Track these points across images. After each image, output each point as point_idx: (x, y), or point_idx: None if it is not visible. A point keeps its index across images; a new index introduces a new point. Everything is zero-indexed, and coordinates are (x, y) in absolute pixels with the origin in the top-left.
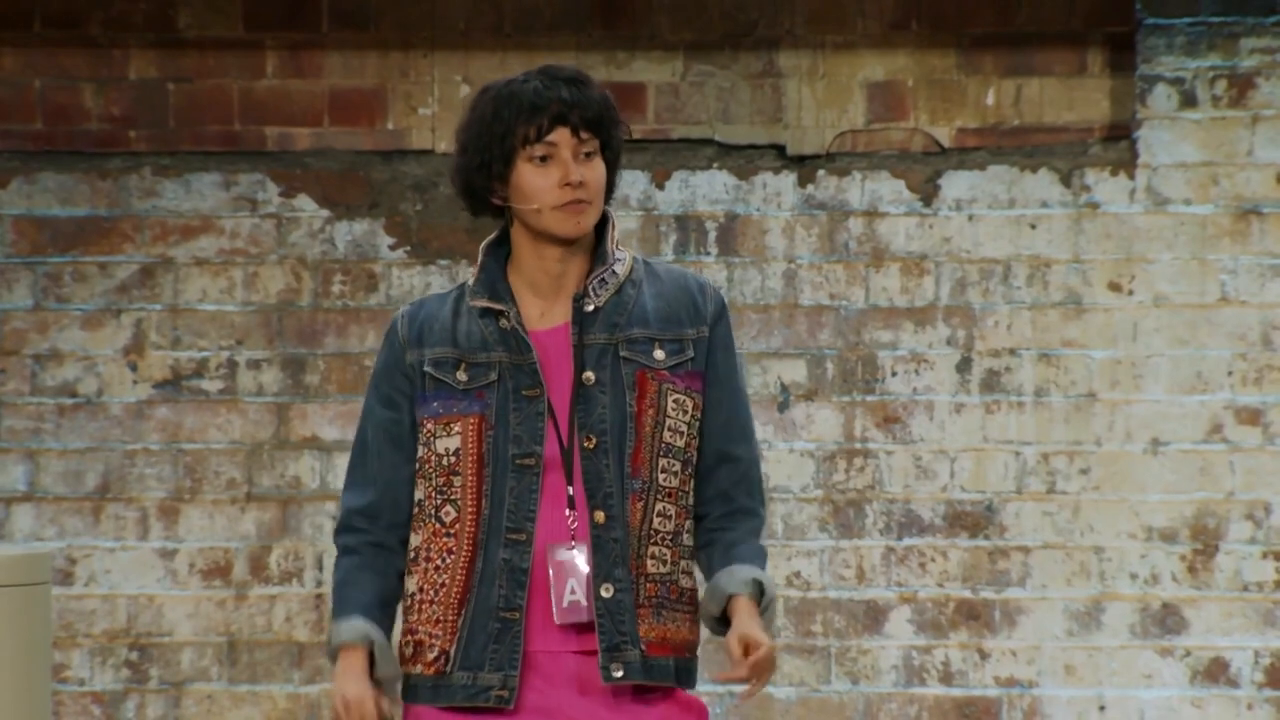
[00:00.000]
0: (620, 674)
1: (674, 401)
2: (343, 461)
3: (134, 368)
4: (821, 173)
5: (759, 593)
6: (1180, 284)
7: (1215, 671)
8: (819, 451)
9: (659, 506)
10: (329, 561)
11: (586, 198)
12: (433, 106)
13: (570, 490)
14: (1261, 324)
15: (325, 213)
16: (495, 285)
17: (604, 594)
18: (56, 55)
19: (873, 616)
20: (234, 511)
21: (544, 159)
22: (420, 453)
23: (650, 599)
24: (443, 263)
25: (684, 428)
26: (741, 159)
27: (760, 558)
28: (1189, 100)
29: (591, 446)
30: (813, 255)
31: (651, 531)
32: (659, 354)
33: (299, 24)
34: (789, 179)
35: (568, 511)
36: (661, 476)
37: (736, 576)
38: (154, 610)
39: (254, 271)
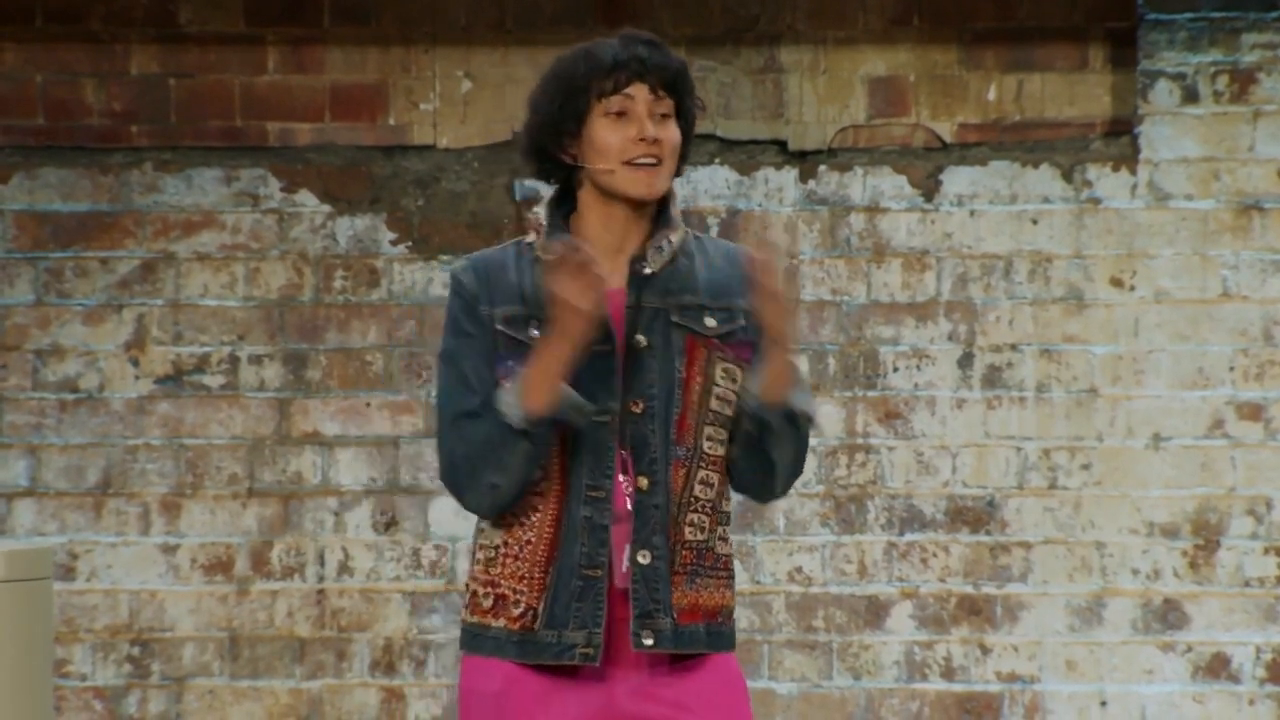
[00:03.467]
0: (650, 642)
1: (723, 370)
2: (344, 457)
3: (135, 363)
4: (823, 168)
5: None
6: (1182, 279)
7: (1216, 667)
8: (821, 447)
9: (702, 474)
10: (330, 557)
11: (661, 155)
12: (434, 102)
13: (624, 454)
14: (1263, 319)
15: (327, 208)
16: (564, 239)
17: (641, 560)
18: (58, 50)
19: (874, 612)
20: (235, 507)
21: (620, 114)
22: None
23: (685, 566)
24: (444, 258)
25: (731, 396)
26: (743, 154)
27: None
28: (1190, 96)
29: (639, 411)
30: (814, 250)
31: (692, 499)
32: (710, 321)
33: (300, 19)
34: (790, 174)
35: (622, 475)
36: (707, 444)
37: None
38: (156, 605)
39: (255, 267)
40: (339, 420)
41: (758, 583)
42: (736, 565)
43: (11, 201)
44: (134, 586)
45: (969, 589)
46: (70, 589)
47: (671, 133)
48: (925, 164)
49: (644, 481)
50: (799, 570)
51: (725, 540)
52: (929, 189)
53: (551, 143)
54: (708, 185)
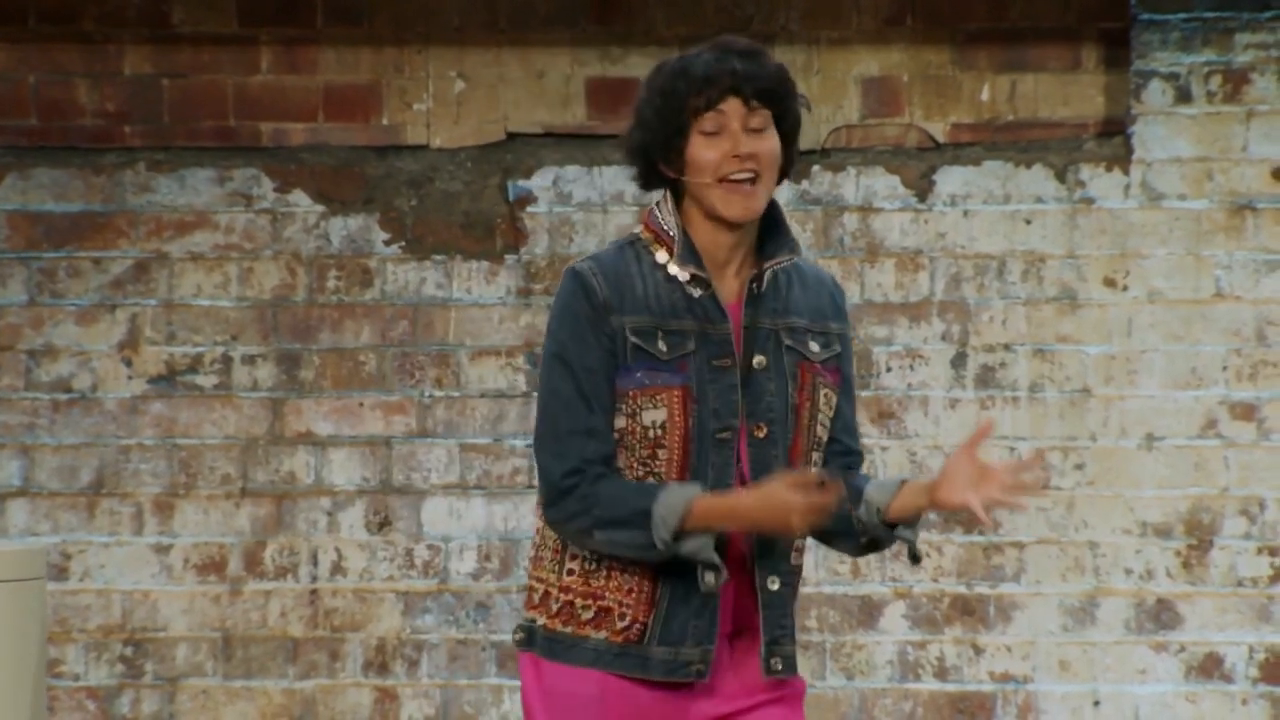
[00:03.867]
0: (780, 667)
1: (824, 395)
2: (337, 457)
3: (129, 363)
4: (816, 168)
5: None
6: (1175, 279)
7: (1210, 667)
8: None
9: None
10: (324, 557)
11: (756, 169)
12: (427, 102)
13: (742, 475)
14: (1256, 319)
15: (320, 208)
16: (696, 254)
17: (771, 586)
18: (50, 51)
19: (867, 612)
20: (229, 507)
21: (713, 133)
22: (622, 423)
23: (794, 590)
24: (438, 258)
25: (829, 422)
26: None
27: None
28: (1184, 96)
29: (762, 436)
30: (808, 251)
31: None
32: (814, 346)
33: (293, 20)
34: None
35: None
36: (812, 470)
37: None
38: (149, 605)
39: (249, 267)
40: (332, 420)
41: None
42: None
43: (4, 202)
44: (127, 586)
45: (962, 589)
46: (63, 589)
47: (768, 144)
48: (918, 164)
49: None
50: None
51: (800, 552)
52: (922, 189)
53: (658, 157)
54: None
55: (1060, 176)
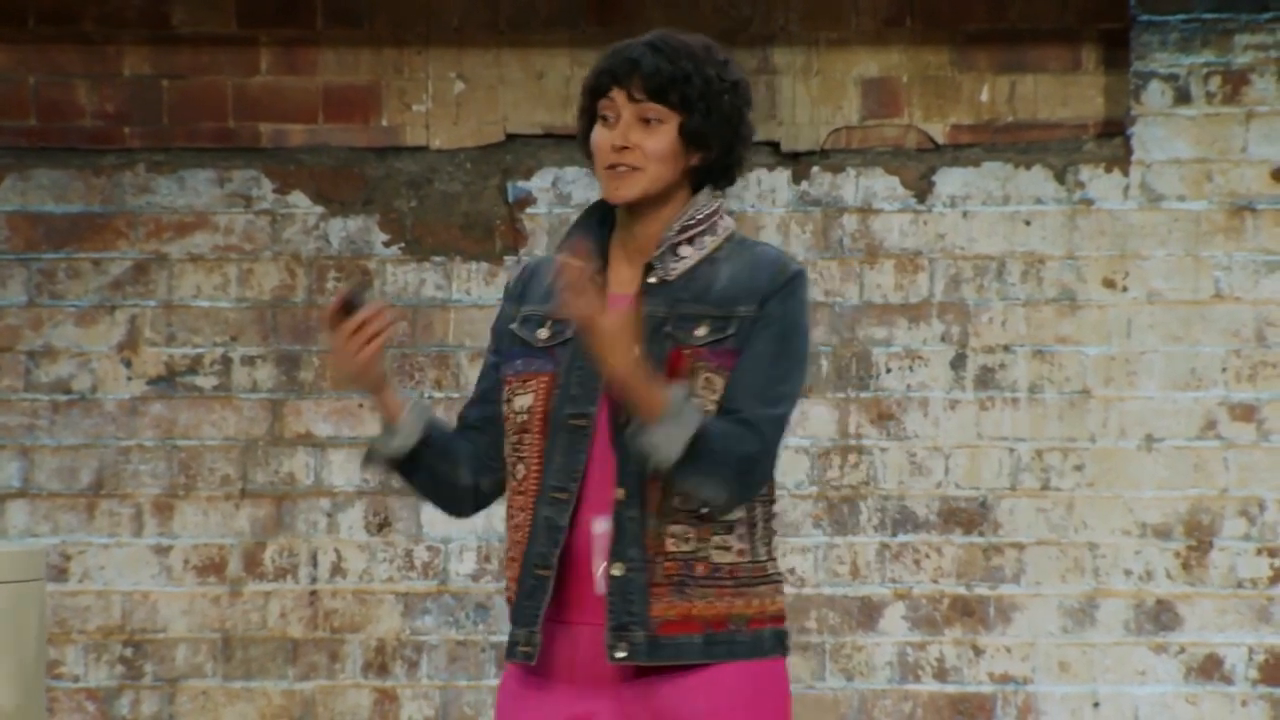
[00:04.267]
0: (624, 655)
1: (704, 380)
2: (337, 458)
3: (128, 364)
4: (816, 169)
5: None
6: (1174, 280)
7: (1209, 668)
8: (814, 448)
9: None
10: (323, 558)
11: (630, 163)
12: (427, 103)
13: (607, 460)
14: (1255, 320)
15: (319, 209)
16: (580, 240)
17: (615, 573)
18: (50, 52)
19: (867, 613)
20: (228, 508)
21: (605, 119)
22: (503, 410)
23: (669, 577)
24: (437, 259)
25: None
26: None
27: (711, 422)
28: (1183, 97)
29: (624, 421)
30: (807, 252)
31: (672, 510)
32: (700, 331)
33: (293, 20)
34: (783, 175)
35: (614, 485)
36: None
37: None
38: (148, 606)
39: (248, 268)
40: (331, 421)
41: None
42: None
43: (4, 203)
44: (127, 588)
45: (962, 590)
46: (63, 590)
47: (654, 139)
48: (918, 165)
49: (621, 493)
50: (792, 571)
51: (727, 549)
52: (922, 190)
53: (581, 142)
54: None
55: (1060, 177)
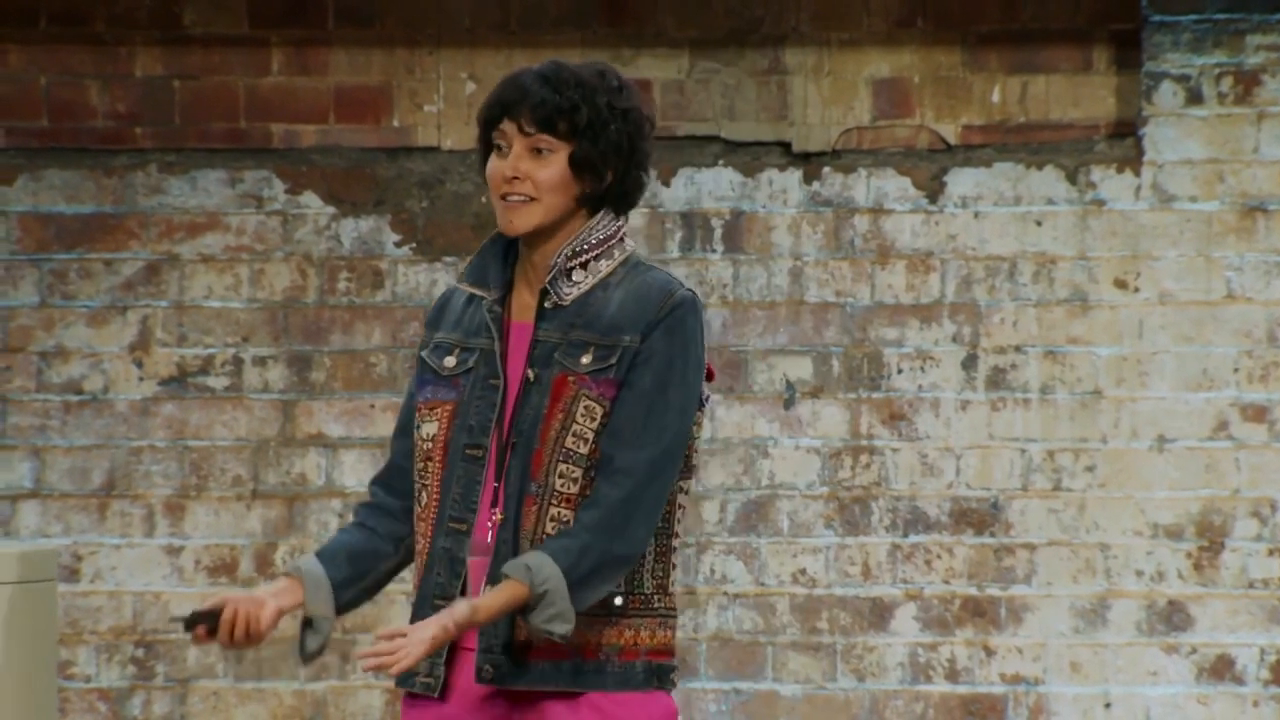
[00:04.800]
0: (488, 677)
1: (584, 407)
2: (348, 459)
3: (140, 365)
4: (827, 170)
5: (529, 578)
6: (1186, 281)
7: (1221, 669)
8: (825, 448)
9: (553, 511)
10: None
11: (522, 191)
12: (438, 104)
13: (496, 488)
14: (1267, 321)
15: (331, 210)
16: (486, 271)
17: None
18: (62, 52)
19: (878, 614)
20: (240, 509)
21: (499, 148)
22: (413, 438)
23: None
24: (449, 259)
25: (589, 434)
26: (747, 156)
27: (558, 552)
28: (1195, 97)
29: (513, 446)
30: (818, 252)
31: (544, 535)
32: (585, 359)
33: (304, 21)
34: (794, 176)
35: (491, 509)
36: (559, 481)
37: (516, 561)
38: (160, 607)
39: (260, 268)
40: (343, 422)
41: (762, 584)
42: (740, 568)
43: (16, 203)
44: (138, 588)
45: (973, 591)
46: (74, 591)
47: (545, 169)
48: (929, 166)
49: (498, 516)
50: (803, 572)
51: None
52: (933, 191)
53: (480, 167)
54: (712, 187)
55: (1071, 178)
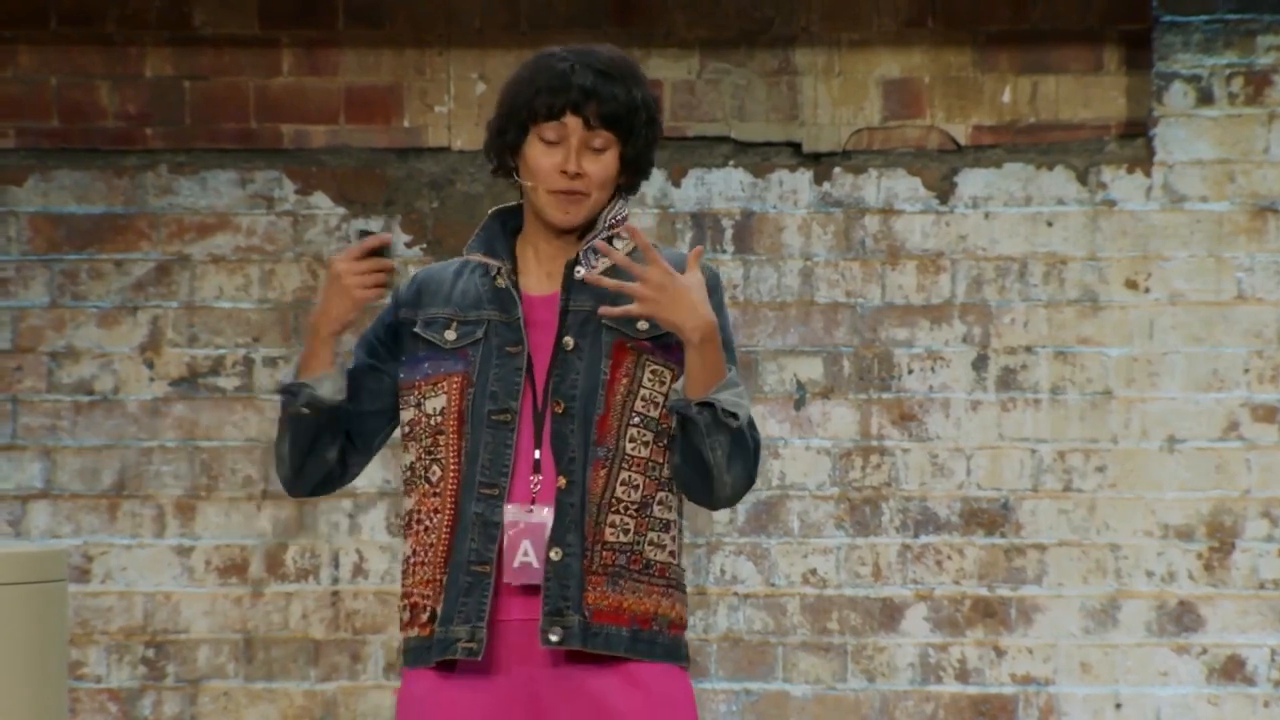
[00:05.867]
0: (557, 639)
1: (651, 372)
2: None
3: (150, 365)
4: (837, 170)
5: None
6: (1196, 281)
7: (1231, 669)
8: (835, 449)
9: (624, 475)
10: (345, 559)
11: (583, 189)
12: (448, 104)
13: (537, 454)
14: (1277, 321)
15: (341, 210)
16: (493, 243)
17: (553, 557)
18: (72, 53)
19: (889, 614)
20: (250, 509)
21: (552, 141)
22: (410, 415)
23: (605, 567)
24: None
25: (660, 398)
26: (757, 156)
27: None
28: (1205, 98)
29: (560, 411)
30: (829, 253)
31: (613, 500)
32: (642, 324)
33: (314, 22)
34: (805, 176)
35: (534, 474)
36: (630, 445)
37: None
38: (170, 607)
39: (270, 269)
40: None
41: (772, 585)
42: (750, 569)
43: (26, 204)
44: (149, 588)
45: (983, 591)
46: (85, 591)
47: (602, 167)
48: (940, 166)
49: (563, 480)
50: (813, 572)
51: (661, 548)
52: (943, 191)
53: (499, 149)
54: (722, 188)
55: (1082, 178)
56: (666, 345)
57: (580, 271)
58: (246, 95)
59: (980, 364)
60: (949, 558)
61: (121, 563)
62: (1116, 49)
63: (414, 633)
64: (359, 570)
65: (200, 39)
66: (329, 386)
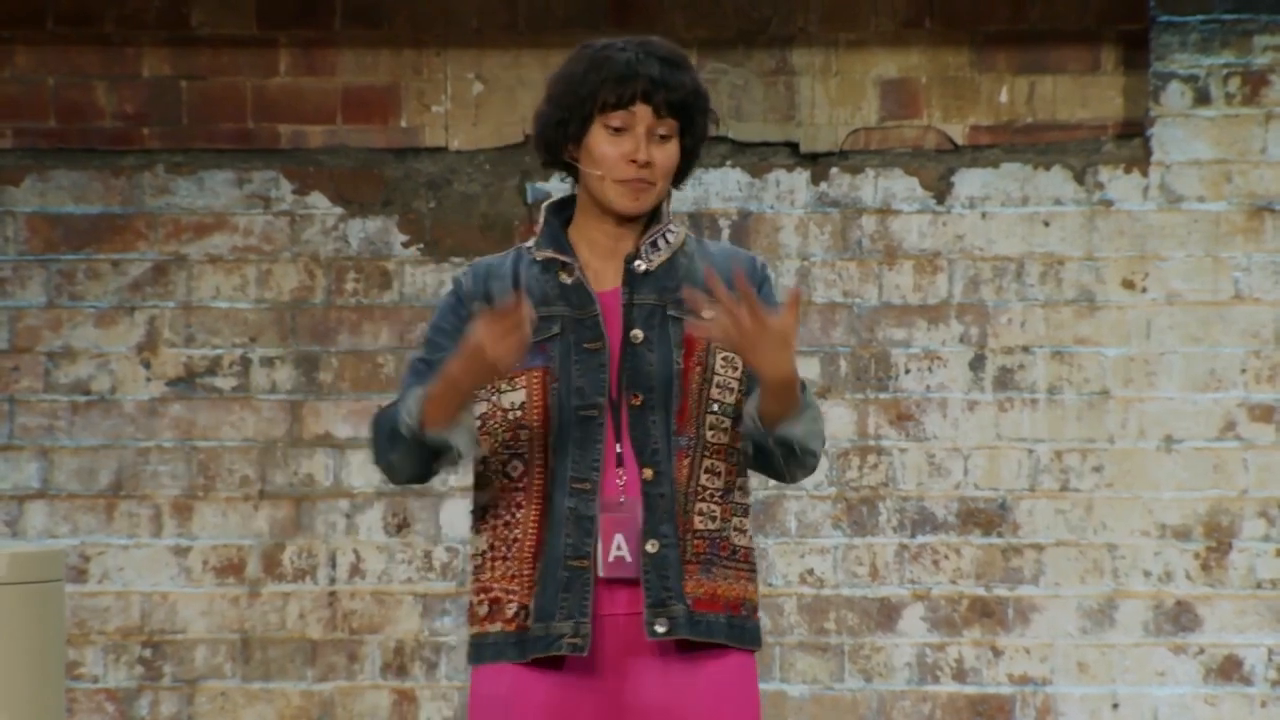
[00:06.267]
0: (664, 630)
1: (722, 359)
2: (356, 459)
3: (147, 365)
4: (835, 170)
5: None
6: (1194, 281)
7: (1228, 669)
8: (832, 449)
9: (707, 463)
10: (342, 559)
11: (651, 179)
12: (446, 104)
13: (619, 448)
14: (1275, 321)
15: (339, 210)
16: (559, 239)
17: (649, 550)
18: (69, 53)
19: (886, 614)
20: (247, 509)
21: (619, 129)
22: (483, 409)
23: (698, 555)
24: (456, 260)
25: (734, 384)
26: (755, 156)
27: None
28: (1202, 98)
29: (638, 404)
30: (826, 253)
31: (699, 488)
32: (709, 313)
33: (312, 22)
34: (802, 176)
35: (617, 468)
36: (710, 433)
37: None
38: (167, 608)
39: (267, 269)
40: (351, 422)
41: (769, 585)
42: None
43: (23, 204)
44: (146, 589)
45: (981, 591)
46: (82, 591)
47: (668, 154)
48: (937, 166)
49: (649, 473)
50: (810, 572)
51: (743, 532)
52: (940, 191)
53: (556, 138)
54: (719, 187)
55: (1079, 178)
56: None
57: (640, 265)
58: (244, 95)
59: (977, 364)
60: (946, 558)
61: (118, 563)
62: (1114, 49)
63: (496, 628)
64: (356, 570)
65: (198, 39)
66: (465, 439)
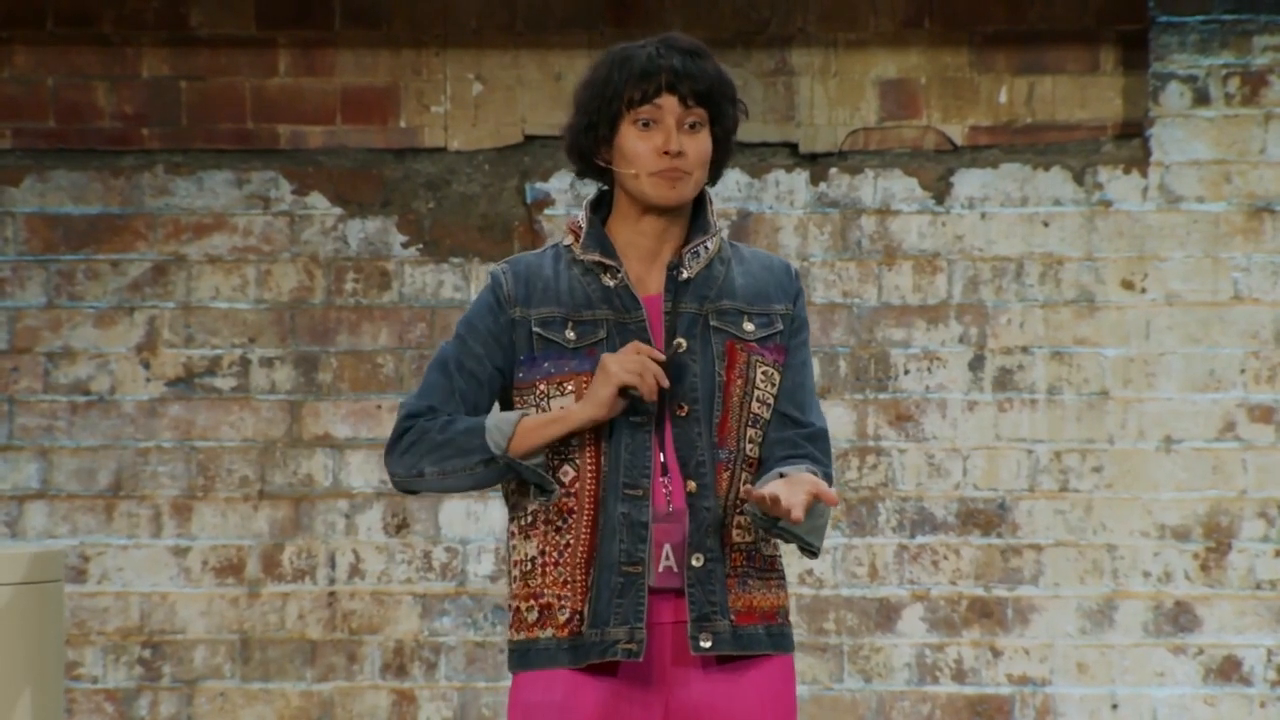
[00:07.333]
0: (709, 644)
1: (762, 373)
2: (355, 459)
3: (147, 365)
4: (834, 170)
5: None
6: (1193, 282)
7: (1228, 670)
8: (832, 449)
9: (745, 476)
10: (341, 559)
11: (685, 168)
12: (445, 104)
13: (662, 456)
14: (1274, 322)
15: (338, 210)
16: (603, 242)
17: (694, 563)
18: (69, 53)
19: (885, 614)
20: (246, 509)
21: (648, 124)
22: (532, 415)
23: (736, 569)
24: (455, 260)
25: (770, 399)
26: (754, 157)
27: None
28: (1202, 98)
29: (684, 414)
30: (825, 253)
31: (737, 501)
32: (749, 326)
33: (311, 22)
34: (801, 177)
35: (662, 477)
36: (749, 447)
37: (793, 468)
38: (167, 608)
39: (267, 269)
40: (350, 422)
41: None
42: None
43: (23, 204)
44: (145, 589)
45: (980, 591)
46: (81, 591)
47: (700, 143)
48: (936, 166)
49: (693, 485)
50: (810, 573)
51: (769, 542)
52: (940, 191)
53: (587, 145)
54: (719, 188)
55: (1078, 179)
56: (773, 347)
57: (683, 273)
58: (243, 96)
59: (977, 364)
60: (945, 558)
61: (118, 563)
62: (1113, 49)
63: (547, 633)
64: (355, 571)
65: (197, 39)
66: (540, 466)
